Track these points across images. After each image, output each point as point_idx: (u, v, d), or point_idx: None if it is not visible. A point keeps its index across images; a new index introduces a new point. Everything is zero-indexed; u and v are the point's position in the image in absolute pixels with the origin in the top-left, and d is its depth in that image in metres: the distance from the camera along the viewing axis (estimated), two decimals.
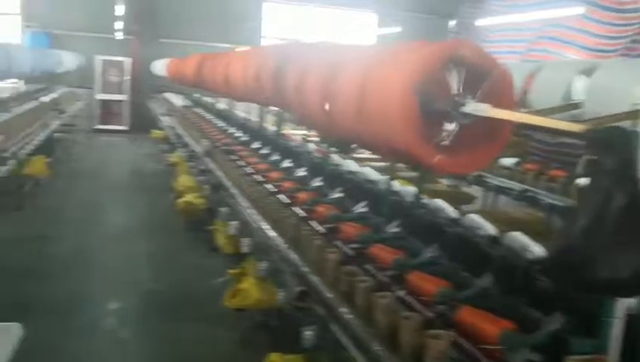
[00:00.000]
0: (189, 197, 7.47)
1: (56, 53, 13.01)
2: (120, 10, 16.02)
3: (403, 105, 2.06)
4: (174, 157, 10.12)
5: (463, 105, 2.10)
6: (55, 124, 10.14)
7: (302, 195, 4.14)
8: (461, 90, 2.15)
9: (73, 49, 16.27)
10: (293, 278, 3.24)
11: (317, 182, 4.58)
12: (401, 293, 2.61)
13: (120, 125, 17.84)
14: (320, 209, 3.76)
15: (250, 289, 4.23)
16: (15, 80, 11.73)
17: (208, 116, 9.59)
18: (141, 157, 13.81)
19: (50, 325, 4.88)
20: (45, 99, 11.50)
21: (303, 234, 3.44)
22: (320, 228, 3.51)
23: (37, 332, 4.69)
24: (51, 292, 5.62)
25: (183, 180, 8.05)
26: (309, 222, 3.65)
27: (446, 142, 2.21)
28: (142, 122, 17.38)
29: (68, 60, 13.84)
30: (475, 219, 3.24)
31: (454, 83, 2.14)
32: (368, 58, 2.43)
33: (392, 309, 2.39)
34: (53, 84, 13.89)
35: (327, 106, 2.61)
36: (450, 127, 2.19)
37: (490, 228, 3.12)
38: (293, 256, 3.37)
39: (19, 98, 10.51)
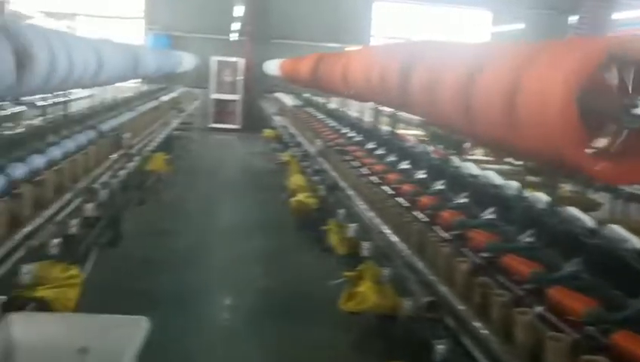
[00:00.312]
0: (301, 197, 7.51)
1: (177, 54, 13.60)
2: (234, 12, 16.50)
3: (563, 108, 1.87)
4: (286, 156, 10.25)
5: (635, 107, 1.87)
6: (175, 122, 10.57)
7: (423, 199, 3.98)
8: (630, 91, 1.93)
9: (190, 50, 16.97)
10: (418, 286, 3.10)
11: (438, 186, 4.40)
12: (542, 310, 2.40)
13: (233, 124, 18.41)
14: (444, 214, 3.60)
15: (367, 293, 4.13)
16: (138, 80, 12.35)
17: (320, 115, 9.61)
18: (253, 155, 14.16)
19: (171, 316, 5.05)
20: (165, 98, 12.04)
21: (429, 240, 3.30)
22: (446, 235, 3.35)
23: (158, 323, 4.86)
24: (171, 284, 5.83)
25: (296, 179, 8.10)
26: (433, 227, 3.50)
27: (611, 149, 2.00)
28: (254, 121, 17.84)
29: (187, 61, 14.44)
30: (617, 230, 2.96)
31: (622, 82, 1.92)
32: (517, 57, 2.26)
33: (534, 327, 2.20)
34: (171, 84, 14.55)
35: (467, 107, 2.46)
36: (617, 131, 1.98)
37: (636, 242, 2.83)
38: (419, 263, 3.23)
39: (141, 97, 11.08)
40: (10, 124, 7.61)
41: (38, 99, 9.49)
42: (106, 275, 5.74)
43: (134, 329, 3.36)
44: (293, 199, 7.54)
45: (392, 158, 5.55)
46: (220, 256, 6.92)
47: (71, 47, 4.61)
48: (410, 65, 3.45)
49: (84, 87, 5.98)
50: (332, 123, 8.39)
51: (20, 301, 3.56)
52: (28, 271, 3.25)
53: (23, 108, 10.44)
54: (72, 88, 5.48)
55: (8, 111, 9.48)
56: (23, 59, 3.13)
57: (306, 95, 13.51)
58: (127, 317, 3.43)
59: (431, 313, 2.81)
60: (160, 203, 8.95)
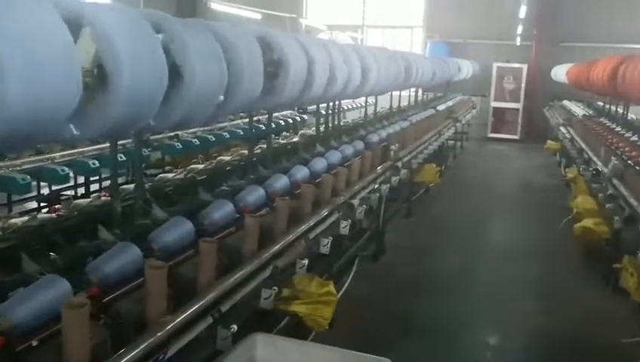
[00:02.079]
0: (588, 223, 6.41)
1: (455, 61, 13.12)
2: (519, 15, 15.40)
3: None
4: (571, 172, 9.04)
5: None
6: (449, 132, 10.10)
7: None
8: None
9: (470, 56, 16.35)
10: None
11: None
12: None
13: (512, 134, 17.25)
14: None
15: None
16: (414, 88, 12.18)
17: (616, 128, 8.21)
18: (532, 169, 12.97)
19: (425, 348, 4.58)
20: (441, 107, 11.65)
21: None
22: None
23: (410, 351, 4.44)
24: (432, 309, 5.36)
25: (583, 201, 6.98)
26: None
27: None
28: (535, 131, 16.49)
29: (465, 68, 13.87)
30: None
31: None
32: None
33: None
34: (449, 92, 14.13)
35: None
36: None
37: None
38: None
39: (417, 106, 10.85)
40: (287, 133, 7.99)
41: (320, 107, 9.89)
42: (363, 290, 5.54)
43: None
44: (578, 224, 6.48)
45: None
46: (487, 283, 6.22)
47: (347, 57, 4.46)
48: None
49: (349, 98, 5.86)
50: (633, 138, 7.04)
51: (275, 313, 3.45)
52: (269, 294, 3.05)
53: (304, 116, 11.12)
54: (346, 98, 5.37)
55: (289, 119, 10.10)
56: (276, 70, 2.96)
57: (599, 103, 11.91)
58: (371, 356, 3.06)
59: None
60: (426, 216, 8.56)
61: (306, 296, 3.73)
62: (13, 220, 3.06)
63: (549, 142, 12.96)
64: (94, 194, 4.12)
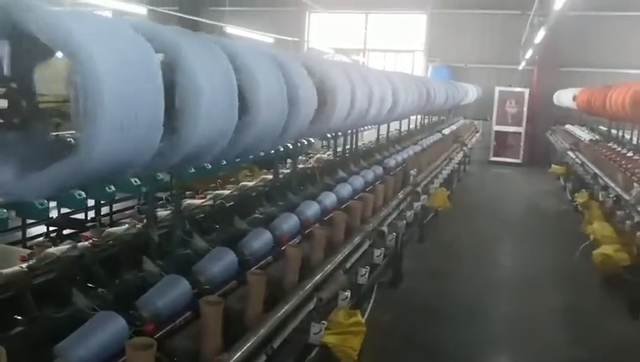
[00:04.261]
0: (607, 249, 6.35)
1: (463, 85, 13.14)
2: (517, 41, 15.52)
3: None
4: (581, 197, 9.01)
5: None
6: (458, 157, 10.07)
7: None
8: None
9: (471, 80, 16.41)
10: None
11: None
12: None
13: (514, 158, 17.27)
14: None
15: None
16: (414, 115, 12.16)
17: (628, 153, 8.20)
18: (538, 193, 12.94)
19: None
20: (447, 131, 11.64)
21: None
22: None
23: None
24: (452, 339, 5.25)
25: (600, 228, 6.92)
26: None
27: None
28: (537, 155, 16.53)
29: (471, 92, 13.90)
30: None
31: None
32: None
33: None
34: (451, 116, 14.12)
35: None
36: None
37: None
38: None
39: (423, 130, 10.82)
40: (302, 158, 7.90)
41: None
42: (385, 318, 5.43)
43: None
44: (597, 251, 6.42)
45: None
46: (507, 311, 6.13)
47: (380, 81, 4.40)
48: None
49: (379, 123, 5.81)
50: None
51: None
52: (319, 329, 2.95)
53: (312, 140, 11.05)
54: (368, 125, 5.32)
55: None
56: (324, 96, 2.90)
57: (602, 128, 11.94)
58: None
59: None
60: (438, 241, 8.48)
61: (334, 326, 3.63)
62: (49, 250, 2.95)
63: (553, 166, 12.95)
64: (124, 220, 4.02)
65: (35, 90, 1.46)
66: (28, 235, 6.30)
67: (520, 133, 17.34)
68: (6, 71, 1.43)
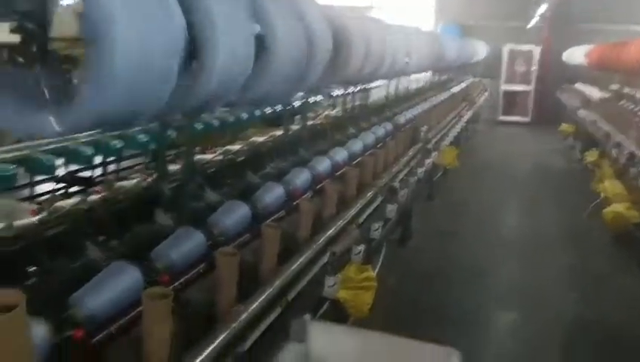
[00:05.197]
0: (618, 207, 6.31)
1: (472, 43, 12.90)
2: None
3: None
4: (591, 156, 8.92)
5: None
6: (467, 115, 9.95)
7: None
8: None
9: (480, 39, 16.12)
10: None
11: None
12: None
13: (523, 116, 17.08)
14: None
15: None
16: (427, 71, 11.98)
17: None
18: (546, 152, 12.83)
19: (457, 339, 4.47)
20: (456, 89, 11.49)
21: None
22: None
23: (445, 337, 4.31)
24: (459, 300, 5.23)
25: (611, 186, 6.86)
26: None
27: None
28: (546, 114, 16.33)
29: (481, 50, 13.65)
30: None
31: None
32: None
33: None
34: (459, 75, 13.92)
35: None
36: None
37: None
38: None
39: (432, 88, 10.67)
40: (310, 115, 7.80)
41: (334, 89, 9.68)
42: (393, 276, 5.41)
43: (441, 360, 2.85)
44: (608, 209, 6.38)
45: None
46: (515, 270, 6.10)
47: (395, 35, 4.29)
48: None
49: (392, 77, 5.70)
50: None
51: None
52: (334, 282, 2.92)
53: (319, 97, 10.93)
54: (380, 79, 5.22)
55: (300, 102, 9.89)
56: (339, 47, 2.81)
57: (613, 87, 11.75)
58: (435, 346, 2.92)
59: None
60: (446, 200, 8.43)
61: (346, 281, 3.61)
62: (59, 203, 2.91)
63: (563, 124, 12.82)
64: (134, 175, 3.95)
65: (49, 30, 1.39)
66: (36, 192, 6.26)
67: (529, 92, 17.11)
68: (20, 7, 1.35)
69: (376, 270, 4.95)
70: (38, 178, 6.49)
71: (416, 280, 5.59)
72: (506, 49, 17.06)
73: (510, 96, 17.29)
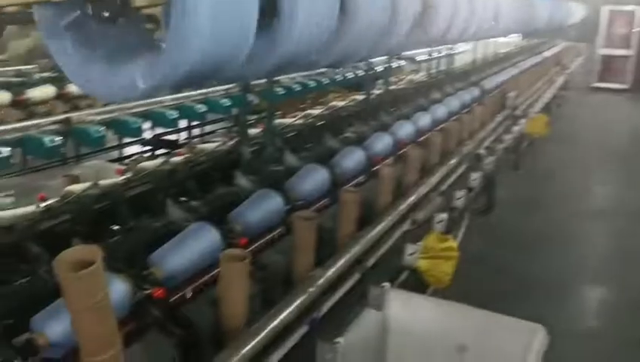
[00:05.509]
0: None
1: (568, 5, 12.13)
2: None
3: None
4: None
5: None
6: (559, 80, 9.43)
7: None
8: None
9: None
10: None
11: None
12: None
13: (621, 83, 16.01)
14: None
15: None
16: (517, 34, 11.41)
17: None
18: None
19: (539, 309, 4.28)
20: (547, 54, 10.91)
21: None
22: None
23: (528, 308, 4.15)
24: (544, 269, 5.01)
25: None
26: None
27: None
28: None
29: (577, 12, 12.83)
30: None
31: None
32: None
33: None
34: (552, 38, 13.19)
35: None
36: None
37: None
38: None
39: (521, 53, 10.18)
40: (393, 79, 7.64)
41: (418, 54, 9.41)
42: (475, 246, 5.24)
43: (525, 337, 2.71)
44: None
45: None
46: (604, 243, 5.78)
47: None
48: None
49: (479, 39, 5.45)
50: None
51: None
52: (414, 250, 2.84)
53: (402, 62, 10.68)
54: (467, 40, 4.99)
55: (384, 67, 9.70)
56: (425, 7, 2.65)
57: None
58: (519, 320, 2.79)
59: None
60: (533, 170, 8.06)
61: (426, 250, 3.51)
62: (143, 164, 2.97)
63: None
64: (216, 139, 3.99)
65: None
66: (123, 154, 6.50)
67: (629, 57, 16.00)
68: None
69: (458, 239, 4.82)
70: (127, 141, 6.78)
71: (499, 250, 5.41)
72: (604, 10, 15.96)
73: (607, 60, 16.23)
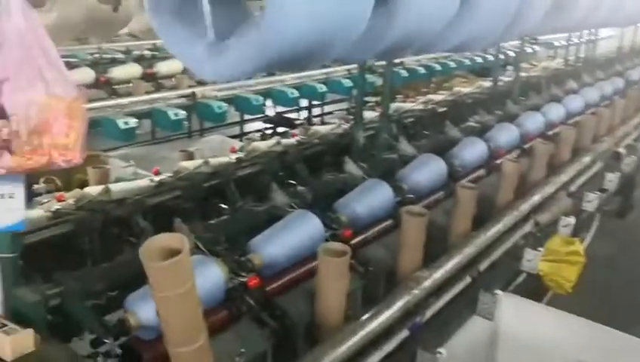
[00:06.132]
0: None
1: None
2: None
3: None
4: None
5: None
6: None
7: None
8: None
9: None
10: None
11: None
12: None
13: None
14: None
15: None
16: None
17: None
18: None
19: None
20: None
21: None
22: None
23: None
24: None
25: None
26: None
27: None
28: None
29: None
30: None
31: None
32: None
33: None
34: None
35: None
36: None
37: None
38: None
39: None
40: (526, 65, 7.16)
41: (556, 39, 8.74)
42: (606, 251, 4.79)
43: None
44: None
45: None
46: None
47: None
48: None
49: (630, 24, 4.95)
50: None
51: None
52: (534, 256, 2.59)
53: (537, 48, 9.99)
54: (615, 25, 4.54)
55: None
56: None
57: None
58: None
59: None
60: None
61: (549, 253, 3.22)
62: (255, 144, 2.95)
63: None
64: (332, 122, 3.93)
65: None
66: (245, 130, 6.62)
67: None
68: None
69: (586, 243, 4.42)
70: (249, 117, 6.89)
71: (633, 257, 4.92)
72: None
73: None
